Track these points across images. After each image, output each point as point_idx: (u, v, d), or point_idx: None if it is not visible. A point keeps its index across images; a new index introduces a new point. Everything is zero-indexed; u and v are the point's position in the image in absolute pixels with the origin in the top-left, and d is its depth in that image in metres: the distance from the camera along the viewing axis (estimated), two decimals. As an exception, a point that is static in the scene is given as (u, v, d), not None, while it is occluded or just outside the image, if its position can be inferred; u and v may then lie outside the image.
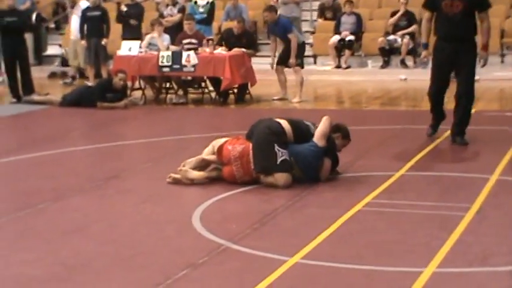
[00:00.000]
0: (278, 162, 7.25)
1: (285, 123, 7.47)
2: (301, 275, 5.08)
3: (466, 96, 9.08)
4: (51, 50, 18.64)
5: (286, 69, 13.48)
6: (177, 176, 7.51)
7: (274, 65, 13.48)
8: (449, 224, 5.99)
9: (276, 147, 7.27)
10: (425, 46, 9.44)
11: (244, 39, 13.78)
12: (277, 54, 13.60)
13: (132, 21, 15.83)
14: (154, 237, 5.98)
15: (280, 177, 7.25)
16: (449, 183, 7.53)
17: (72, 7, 17.06)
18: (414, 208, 6.60)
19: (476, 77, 15.39)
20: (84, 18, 15.62)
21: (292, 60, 13.12)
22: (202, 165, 7.59)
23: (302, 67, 13.48)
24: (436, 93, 9.35)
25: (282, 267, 5.14)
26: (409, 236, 5.87)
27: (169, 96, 14.03)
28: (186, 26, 14.20)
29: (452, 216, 6.24)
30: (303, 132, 7.50)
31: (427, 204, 6.69)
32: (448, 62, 9.05)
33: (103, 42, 15.41)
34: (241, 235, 5.89)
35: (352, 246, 5.66)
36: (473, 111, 10.86)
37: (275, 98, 13.65)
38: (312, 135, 7.43)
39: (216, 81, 13.59)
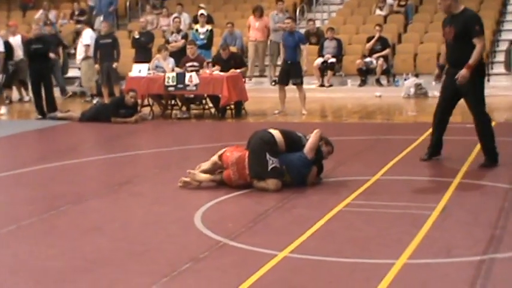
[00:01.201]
0: (269, 169, 7.27)
1: (277, 134, 7.47)
2: (289, 268, 5.08)
3: (477, 120, 8.29)
4: (71, 72, 18.66)
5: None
6: (187, 179, 7.53)
7: (278, 81, 13.72)
8: (418, 222, 6.01)
9: (268, 156, 7.28)
10: (439, 67, 8.66)
11: (232, 61, 13.82)
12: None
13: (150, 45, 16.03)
14: (161, 235, 5.99)
15: (271, 183, 7.27)
16: (419, 186, 7.56)
17: (78, 35, 17.18)
18: (388, 208, 6.61)
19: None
20: (98, 45, 15.66)
21: (304, 67, 13.44)
22: (214, 168, 7.59)
23: (302, 83, 13.70)
24: (438, 113, 8.59)
25: (272, 261, 5.15)
26: (384, 232, 5.88)
27: (174, 112, 14.03)
28: (188, 50, 14.24)
29: (421, 214, 6.26)
30: (294, 142, 7.49)
31: (399, 205, 6.70)
32: (451, 85, 8.22)
33: (114, 66, 15.45)
34: (237, 233, 5.90)
35: (335, 242, 5.68)
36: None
37: (276, 112, 13.68)
38: (303, 145, 7.43)
39: (215, 99, 13.61)
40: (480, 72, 8.23)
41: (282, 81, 13.69)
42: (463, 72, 7.98)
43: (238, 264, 5.20)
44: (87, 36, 16.39)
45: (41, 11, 20.42)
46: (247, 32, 17.85)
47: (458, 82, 8.02)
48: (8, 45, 15.59)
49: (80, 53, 16.73)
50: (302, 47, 13.43)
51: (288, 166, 7.35)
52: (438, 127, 8.58)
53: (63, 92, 17.46)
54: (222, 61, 13.77)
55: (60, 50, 17.54)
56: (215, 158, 7.63)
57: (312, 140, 7.44)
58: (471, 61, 7.95)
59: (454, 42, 8.16)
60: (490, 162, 8.18)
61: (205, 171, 7.58)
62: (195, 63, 13.82)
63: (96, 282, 4.90)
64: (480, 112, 8.23)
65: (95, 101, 15.79)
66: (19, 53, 16.40)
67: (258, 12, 17.59)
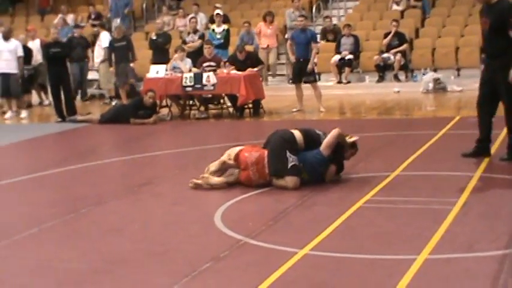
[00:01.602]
0: (289, 167, 7.25)
1: (297, 133, 7.47)
2: (310, 265, 5.07)
3: (507, 113, 8.06)
4: (89, 75, 18.73)
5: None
6: (199, 181, 7.52)
7: (292, 80, 13.72)
8: (439, 217, 5.96)
9: (288, 154, 7.27)
10: (483, 61, 8.49)
11: (248, 61, 13.80)
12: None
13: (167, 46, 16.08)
14: (181, 235, 6.00)
15: (290, 181, 7.25)
16: (439, 181, 7.50)
17: (95, 38, 17.26)
18: (408, 203, 6.58)
19: (460, 88, 15.45)
20: (113, 47, 15.74)
21: (310, 66, 13.29)
22: (223, 168, 7.58)
23: (315, 81, 13.68)
24: (479, 104, 8.28)
25: (293, 259, 5.13)
26: (405, 228, 5.85)
27: (192, 112, 14.05)
28: (205, 50, 14.24)
29: (441, 209, 6.21)
30: (313, 140, 7.47)
31: (420, 200, 6.66)
32: (487, 76, 8.07)
33: (132, 65, 15.55)
34: (257, 231, 5.89)
35: (355, 239, 5.65)
36: (458, 117, 10.84)
37: (294, 110, 13.67)
38: (321, 143, 7.41)
39: (232, 98, 13.61)
40: None
41: (296, 79, 13.66)
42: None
43: (259, 262, 5.19)
44: (106, 39, 16.47)
45: (59, 15, 20.54)
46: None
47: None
48: (26, 50, 15.68)
49: (98, 55, 16.83)
50: (313, 45, 13.35)
51: (304, 163, 7.33)
52: (481, 120, 8.30)
53: (84, 95, 17.55)
54: (238, 62, 13.77)
55: (90, 52, 17.59)
56: (224, 157, 7.59)
57: (328, 138, 7.40)
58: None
59: (489, 34, 7.92)
60: (510, 157, 8.07)
61: (214, 172, 7.56)
62: (212, 63, 13.83)
63: (117, 283, 4.92)
64: (508, 109, 7.98)
65: (113, 103, 15.86)
66: (38, 57, 16.51)
67: (270, 17, 17.35)
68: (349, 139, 7.62)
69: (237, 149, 7.61)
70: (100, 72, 16.97)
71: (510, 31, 7.67)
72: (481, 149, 8.31)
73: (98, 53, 16.79)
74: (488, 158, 8.19)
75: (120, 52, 15.57)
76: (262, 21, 17.49)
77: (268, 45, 17.31)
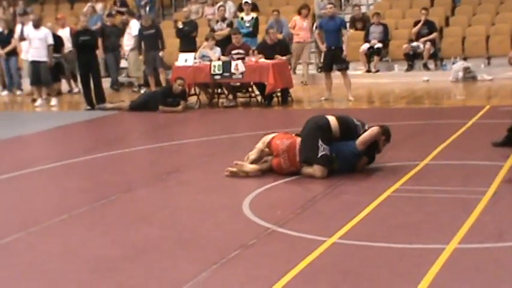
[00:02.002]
0: (319, 156, 7.22)
1: (333, 121, 7.39)
2: (338, 253, 5.07)
3: None
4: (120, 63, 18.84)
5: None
6: (234, 169, 7.53)
7: (323, 68, 13.63)
8: (469, 206, 5.92)
9: (320, 142, 7.23)
10: None
11: (277, 47, 13.76)
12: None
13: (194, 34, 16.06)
14: (210, 223, 6.02)
15: (318, 170, 7.24)
16: (468, 170, 7.44)
17: (125, 26, 17.28)
18: (437, 193, 6.53)
19: (490, 77, 15.29)
20: (142, 36, 15.83)
21: (345, 53, 13.23)
22: (262, 156, 7.58)
23: (347, 69, 13.58)
24: None
25: (321, 247, 5.13)
26: (434, 217, 5.82)
27: (220, 100, 14.07)
28: (234, 39, 14.22)
29: (471, 199, 6.17)
30: (350, 130, 7.40)
31: (449, 189, 6.61)
32: None
33: (160, 54, 15.60)
34: (285, 219, 5.90)
35: (384, 227, 5.63)
36: (488, 106, 10.74)
37: (322, 98, 13.63)
38: (358, 135, 7.34)
39: (261, 87, 13.60)
40: None
41: (327, 67, 13.63)
42: None
43: (287, 250, 5.19)
44: (136, 27, 16.52)
45: (88, 4, 20.65)
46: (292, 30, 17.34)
47: None
48: (55, 38, 15.80)
49: (128, 44, 16.88)
50: (344, 31, 13.30)
51: (337, 155, 7.30)
52: None
53: (115, 83, 17.62)
54: (267, 47, 13.74)
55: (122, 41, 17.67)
56: (261, 145, 7.61)
57: (367, 135, 7.31)
58: None
59: None
60: None
61: (254, 161, 7.57)
62: (241, 51, 13.82)
63: (146, 270, 4.95)
64: None
65: (142, 91, 15.93)
66: (68, 45, 16.61)
67: (306, 10, 16.75)
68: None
69: (271, 136, 7.62)
70: (129, 60, 17.05)
71: None
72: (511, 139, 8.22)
73: (128, 41, 16.85)
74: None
75: (149, 40, 15.65)
76: (297, 15, 16.94)
77: (304, 40, 16.61)
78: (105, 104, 14.09)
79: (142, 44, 15.77)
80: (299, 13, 16.84)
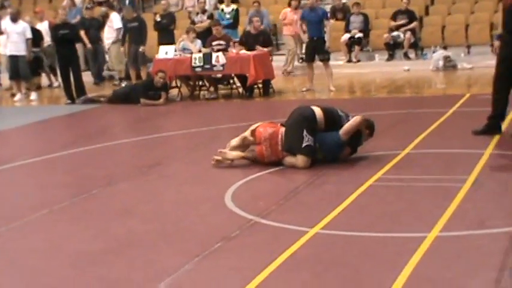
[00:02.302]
0: (303, 146, 7.23)
1: (318, 112, 7.40)
2: (321, 244, 5.07)
3: None
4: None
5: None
6: (219, 157, 7.53)
7: (306, 59, 13.68)
8: (450, 194, 5.95)
9: (305, 133, 7.23)
10: (498, 37, 8.33)
11: (261, 37, 13.75)
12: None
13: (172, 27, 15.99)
14: (192, 215, 6.01)
15: (301, 160, 7.24)
16: (449, 159, 7.48)
17: (105, 19, 17.14)
18: (419, 181, 6.56)
19: (470, 66, 15.37)
20: (125, 28, 15.75)
21: (328, 43, 13.25)
22: (244, 144, 7.57)
23: (329, 59, 13.62)
24: (496, 80, 8.25)
25: (304, 237, 5.14)
26: (415, 205, 5.85)
27: (202, 92, 14.04)
28: (214, 30, 14.18)
29: (452, 187, 6.20)
30: (334, 121, 7.40)
31: (430, 178, 6.65)
32: (505, 53, 8.00)
33: (141, 49, 15.53)
34: (268, 211, 5.90)
35: (366, 217, 5.65)
36: (468, 95, 10.80)
37: (304, 89, 13.65)
38: (342, 126, 7.35)
39: (242, 78, 13.59)
40: None
41: (309, 58, 13.65)
42: None
43: (270, 241, 5.20)
44: (117, 20, 16.40)
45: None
46: (281, 26, 17.06)
47: None
48: (34, 32, 15.66)
49: (108, 37, 16.74)
50: (326, 22, 13.33)
51: (321, 145, 7.31)
52: (499, 101, 8.25)
53: (98, 76, 17.43)
54: (251, 37, 13.72)
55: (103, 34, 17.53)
56: (247, 133, 7.61)
57: (350, 124, 7.32)
58: None
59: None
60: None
61: (235, 148, 7.58)
62: (222, 42, 13.79)
63: (129, 264, 4.94)
64: None
65: (123, 85, 15.86)
66: (47, 39, 16.50)
67: (296, 2, 16.46)
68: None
69: (258, 124, 7.63)
70: (111, 53, 16.92)
71: None
72: (492, 126, 8.27)
73: (109, 34, 16.70)
74: (499, 136, 8.15)
75: (132, 33, 15.59)
76: (287, 7, 16.76)
77: (296, 32, 16.01)
78: (86, 95, 14.03)
79: (126, 36, 15.70)
80: (289, 5, 16.77)
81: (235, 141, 7.64)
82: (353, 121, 7.35)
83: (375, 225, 5.40)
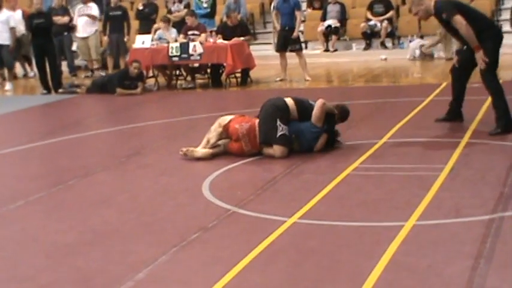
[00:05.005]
0: (278, 136, 7.23)
1: (290, 102, 7.42)
2: (299, 233, 5.07)
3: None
4: (75, 46, 18.52)
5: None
6: (186, 152, 7.48)
7: (277, 48, 13.60)
8: (427, 183, 5.98)
9: (278, 123, 7.24)
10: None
11: (238, 29, 13.70)
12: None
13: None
14: (170, 205, 5.99)
15: (278, 149, 7.24)
16: (426, 148, 7.51)
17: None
18: (396, 170, 6.58)
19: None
20: (107, 17, 15.61)
21: (295, 34, 13.24)
22: (220, 139, 7.52)
23: (301, 49, 13.59)
24: (454, 69, 8.32)
25: (282, 227, 5.13)
26: (393, 194, 5.86)
27: (179, 82, 13.99)
28: (188, 20, 14.07)
29: (429, 176, 6.23)
30: (307, 111, 7.42)
31: (407, 167, 6.67)
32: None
33: (125, 39, 15.42)
34: (245, 200, 5.89)
35: (344, 206, 5.66)
36: (445, 84, 10.84)
37: (277, 79, 13.65)
38: None
39: (214, 70, 13.56)
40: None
41: (281, 47, 13.60)
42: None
43: (248, 231, 5.19)
44: (95, 9, 16.20)
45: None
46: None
47: None
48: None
49: (85, 27, 16.49)
50: (297, 13, 13.29)
51: (297, 134, 7.31)
52: (458, 89, 8.37)
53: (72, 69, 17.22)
54: (228, 29, 13.66)
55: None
56: (217, 127, 7.51)
57: (315, 110, 7.33)
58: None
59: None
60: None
61: (214, 144, 7.49)
62: (196, 32, 13.73)
63: (106, 254, 4.90)
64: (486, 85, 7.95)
65: (102, 74, 15.69)
66: (21, 28, 16.28)
67: None
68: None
69: (228, 118, 7.56)
70: (90, 43, 16.57)
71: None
72: (453, 114, 8.40)
73: (89, 24, 16.35)
74: (475, 125, 8.19)
75: (115, 22, 15.45)
76: None
77: None
78: (63, 85, 13.92)
79: (108, 25, 15.56)
80: None
81: (213, 138, 7.52)
82: (316, 105, 7.38)
83: (353, 214, 5.41)
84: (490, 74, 7.79)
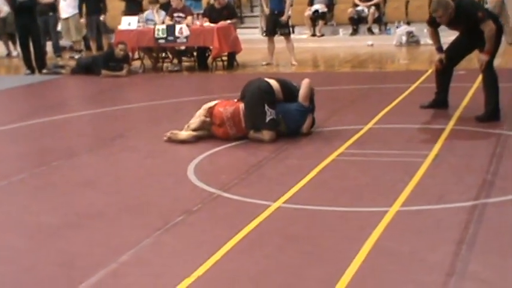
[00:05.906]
0: (267, 121, 7.22)
1: (274, 83, 7.41)
2: (283, 218, 5.08)
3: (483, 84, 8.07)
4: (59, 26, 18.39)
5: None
6: (170, 136, 7.47)
7: (266, 33, 13.58)
8: (411, 169, 6.00)
9: (266, 107, 7.23)
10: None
11: (225, 11, 13.64)
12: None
13: None
14: (155, 188, 5.98)
15: (267, 134, 7.24)
16: (411, 134, 7.53)
17: None
18: (381, 156, 6.61)
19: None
20: None
21: (284, 18, 13.20)
22: (203, 125, 7.49)
23: (290, 34, 13.57)
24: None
25: (266, 211, 5.14)
26: (377, 180, 5.88)
27: (165, 64, 13.93)
28: (173, 2, 13.96)
29: (413, 162, 6.25)
30: (292, 91, 7.44)
31: (392, 153, 6.69)
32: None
33: (102, 18, 15.33)
34: (230, 184, 5.89)
35: (328, 191, 5.67)
36: (430, 70, 10.87)
37: (263, 63, 13.63)
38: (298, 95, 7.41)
39: (201, 53, 13.51)
40: None
41: (270, 32, 13.58)
42: None
43: (232, 215, 5.19)
44: None
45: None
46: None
47: None
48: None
49: (66, 8, 16.36)
50: None
51: (284, 115, 7.31)
52: (443, 76, 8.40)
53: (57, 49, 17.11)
54: (215, 12, 13.59)
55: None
56: (202, 112, 7.51)
57: (303, 89, 7.40)
58: None
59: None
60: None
61: (194, 130, 7.49)
62: (181, 14, 13.66)
63: (89, 237, 4.89)
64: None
65: (77, 56, 15.58)
66: (5, 8, 16.12)
67: None
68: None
69: (213, 103, 7.55)
70: (69, 24, 16.53)
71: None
72: (439, 102, 8.41)
73: (65, 5, 16.26)
74: (460, 111, 8.23)
75: (91, 3, 15.33)
76: None
77: None
78: (48, 66, 13.83)
79: (84, 6, 15.45)
80: None
81: (194, 124, 7.52)
82: (303, 85, 7.43)
83: (338, 199, 5.43)
84: (490, 66, 7.79)
